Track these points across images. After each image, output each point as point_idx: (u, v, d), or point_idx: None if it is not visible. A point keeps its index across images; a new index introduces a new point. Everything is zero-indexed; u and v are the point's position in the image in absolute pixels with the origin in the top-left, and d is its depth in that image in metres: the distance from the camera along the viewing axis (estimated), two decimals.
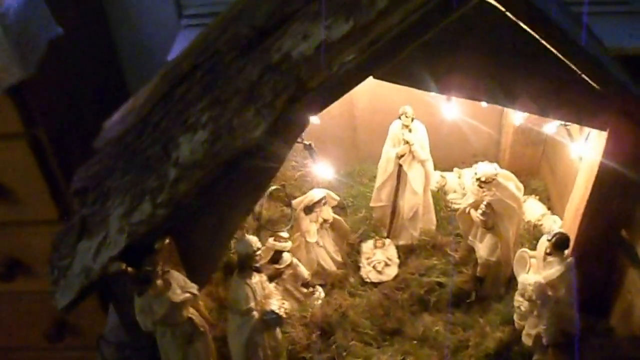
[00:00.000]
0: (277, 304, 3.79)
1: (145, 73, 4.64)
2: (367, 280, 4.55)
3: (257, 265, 3.71)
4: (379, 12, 2.66)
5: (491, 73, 3.16)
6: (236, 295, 3.70)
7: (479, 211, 4.16)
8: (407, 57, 2.94)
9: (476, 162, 4.50)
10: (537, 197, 4.89)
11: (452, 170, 5.14)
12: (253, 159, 3.05)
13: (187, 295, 3.50)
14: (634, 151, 3.41)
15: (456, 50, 3.06)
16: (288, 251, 4.27)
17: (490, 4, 2.83)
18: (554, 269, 3.59)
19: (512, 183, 4.08)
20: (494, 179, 4.00)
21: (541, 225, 4.59)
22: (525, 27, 2.91)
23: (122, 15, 5.74)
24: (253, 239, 3.67)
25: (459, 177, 5.01)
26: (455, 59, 3.09)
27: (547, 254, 3.63)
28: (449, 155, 5.03)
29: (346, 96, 4.72)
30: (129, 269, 3.19)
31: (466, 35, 3.00)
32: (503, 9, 2.85)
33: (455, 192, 5.00)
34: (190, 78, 3.27)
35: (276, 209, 4.93)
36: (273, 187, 4.72)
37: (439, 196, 4.95)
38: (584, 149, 3.76)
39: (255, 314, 3.74)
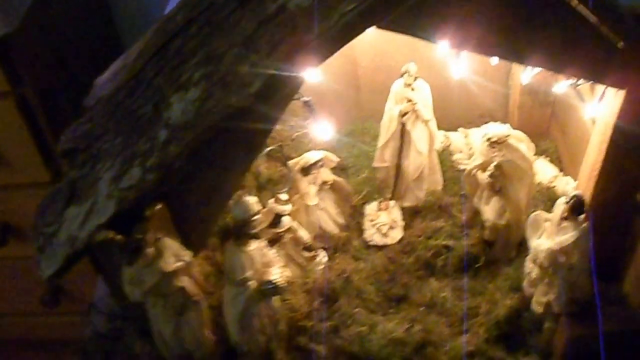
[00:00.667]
0: (278, 272, 3.60)
1: (140, 27, 4.38)
2: (372, 243, 4.39)
3: (255, 231, 3.50)
4: None
5: (503, 25, 2.95)
6: (231, 264, 3.52)
7: (487, 173, 3.97)
8: (414, 6, 2.72)
9: (484, 122, 4.31)
10: (548, 158, 4.71)
11: (456, 131, 4.94)
12: (246, 120, 2.90)
13: (180, 263, 3.35)
14: None
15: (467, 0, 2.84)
16: (288, 214, 4.07)
17: None
18: (569, 235, 3.41)
19: (523, 144, 3.88)
20: (505, 140, 3.80)
21: (554, 186, 4.41)
22: None
23: None
24: (251, 201, 3.47)
25: (465, 137, 4.82)
26: (466, 10, 2.86)
27: (563, 218, 3.43)
28: (454, 115, 4.83)
29: (349, 54, 4.61)
30: (118, 237, 3.01)
31: None
32: None
33: (461, 152, 4.80)
34: (185, 32, 3.08)
35: (275, 168, 4.75)
36: (271, 147, 4.57)
37: (444, 156, 4.75)
38: (598, 109, 3.55)
39: (252, 283, 3.56)
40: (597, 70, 3.14)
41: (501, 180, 3.96)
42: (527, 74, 4.18)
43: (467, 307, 3.95)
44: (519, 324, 3.84)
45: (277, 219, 4.04)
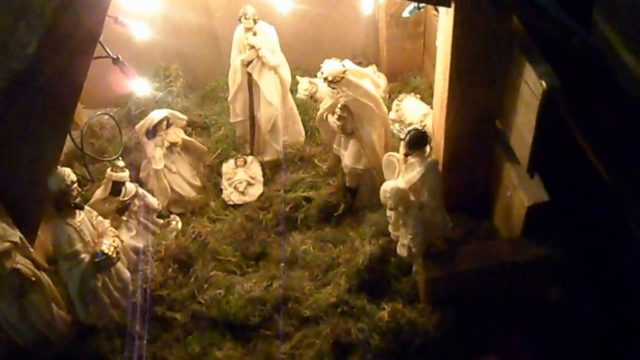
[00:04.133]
0: (108, 242, 3.38)
1: None
2: (230, 203, 4.18)
3: (76, 201, 3.25)
4: None
5: None
6: (57, 238, 3.27)
7: (335, 115, 3.75)
8: None
9: (357, 64, 4.03)
10: (419, 96, 4.54)
11: None
12: (47, 81, 2.70)
13: (7, 244, 3.08)
14: (486, 28, 3.06)
15: None
16: (129, 181, 3.84)
17: None
18: (415, 171, 3.23)
19: (366, 80, 3.67)
20: (342, 77, 3.57)
21: (424, 126, 4.19)
22: None
23: None
24: (64, 171, 3.20)
25: None
26: None
27: (405, 155, 3.25)
28: (320, 58, 4.52)
29: (202, 5, 4.39)
30: None
31: None
32: None
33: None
34: None
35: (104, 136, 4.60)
36: (97, 113, 4.37)
37: (309, 104, 4.53)
38: (438, 34, 3.38)
39: (85, 256, 3.33)
40: None
41: (351, 122, 3.75)
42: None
43: (328, 257, 3.81)
44: (384, 269, 3.70)
45: (117, 187, 3.80)
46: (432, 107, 4.34)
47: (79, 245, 3.26)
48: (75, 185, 3.22)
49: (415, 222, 3.33)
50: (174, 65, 4.79)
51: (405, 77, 4.76)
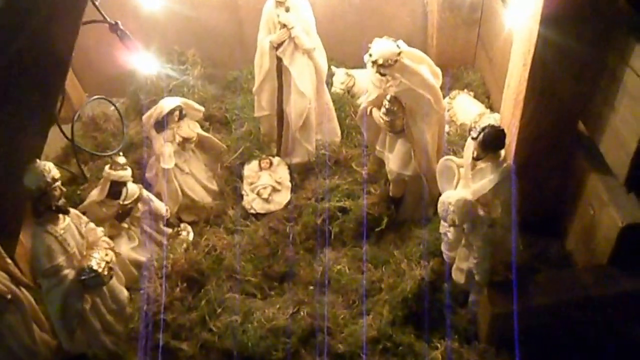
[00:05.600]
0: (98, 256, 2.80)
1: None
2: (252, 211, 3.63)
3: (58, 203, 2.65)
4: None
5: None
6: (36, 250, 2.68)
7: (383, 109, 3.11)
8: None
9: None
10: (472, 93, 4.02)
11: (363, 67, 4.05)
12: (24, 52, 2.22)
13: None
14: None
15: None
16: (132, 181, 3.27)
17: None
18: (486, 179, 2.60)
19: (424, 67, 3.04)
20: (396, 60, 2.94)
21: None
22: None
23: None
24: (44, 166, 2.62)
25: None
26: None
27: (475, 158, 2.61)
28: (359, 47, 4.02)
29: None
30: None
31: None
32: None
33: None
34: None
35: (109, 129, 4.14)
36: (92, 99, 3.89)
37: (345, 100, 4.02)
38: (517, 14, 2.79)
39: (68, 273, 2.74)
40: None
41: (401, 118, 3.12)
42: None
43: (367, 281, 3.26)
44: (436, 298, 3.12)
45: (116, 188, 3.22)
46: (488, 108, 3.94)
47: (60, 259, 2.69)
48: (58, 184, 2.65)
49: (483, 242, 2.70)
50: (191, 50, 4.37)
51: (456, 71, 4.26)
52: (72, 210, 2.82)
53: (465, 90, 4.06)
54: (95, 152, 3.74)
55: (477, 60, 4.29)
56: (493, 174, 2.61)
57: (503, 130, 2.58)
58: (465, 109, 3.88)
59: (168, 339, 3.18)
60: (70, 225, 2.72)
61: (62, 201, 2.66)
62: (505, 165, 2.61)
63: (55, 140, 3.67)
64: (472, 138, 2.61)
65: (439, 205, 2.84)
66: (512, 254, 2.79)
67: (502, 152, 2.64)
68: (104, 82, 4.23)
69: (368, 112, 3.30)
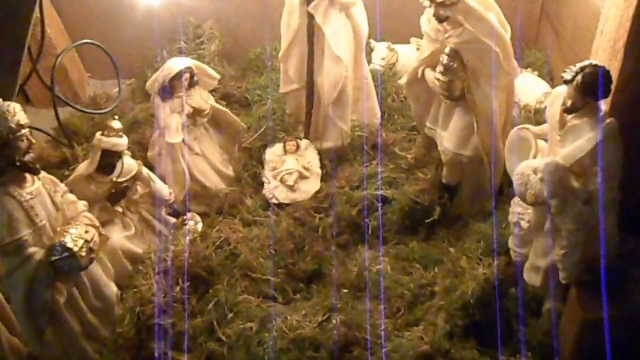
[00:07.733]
0: (75, 232, 2.28)
1: None
2: (273, 201, 3.16)
3: (26, 158, 2.15)
4: None
5: None
6: None
7: (439, 67, 2.58)
8: None
9: None
10: (536, 73, 3.63)
11: (408, 42, 3.75)
12: None
13: None
14: None
15: None
16: (128, 154, 2.79)
17: None
18: (583, 139, 2.02)
19: (493, 14, 2.49)
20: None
21: (545, 107, 3.08)
22: None
23: None
24: (8, 106, 2.14)
25: (418, 50, 3.49)
26: None
27: (567, 110, 2.02)
28: (401, 21, 3.67)
29: None
30: None
31: None
32: None
33: None
34: None
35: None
36: (77, 43, 3.39)
37: (386, 77, 3.57)
38: None
39: (35, 251, 2.23)
40: None
41: (462, 79, 2.58)
42: None
43: (416, 284, 2.77)
44: (501, 305, 2.59)
45: (109, 159, 2.70)
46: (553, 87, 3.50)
47: (25, 232, 2.20)
48: (26, 132, 2.15)
49: (576, 225, 2.13)
50: (208, 23, 3.97)
51: (515, 48, 3.82)
52: (45, 173, 2.29)
53: (529, 69, 3.68)
54: (79, 107, 3.33)
55: (540, 36, 3.94)
56: (593, 131, 2.06)
57: (609, 71, 1.99)
58: (529, 89, 3.49)
59: (165, 350, 2.69)
60: (40, 190, 2.24)
61: (29, 156, 2.16)
62: (609, 121, 2.04)
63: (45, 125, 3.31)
64: (565, 81, 2.03)
65: (515, 178, 2.31)
66: (610, 244, 2.20)
67: (603, 104, 2.05)
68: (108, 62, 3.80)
69: (420, 74, 2.78)
